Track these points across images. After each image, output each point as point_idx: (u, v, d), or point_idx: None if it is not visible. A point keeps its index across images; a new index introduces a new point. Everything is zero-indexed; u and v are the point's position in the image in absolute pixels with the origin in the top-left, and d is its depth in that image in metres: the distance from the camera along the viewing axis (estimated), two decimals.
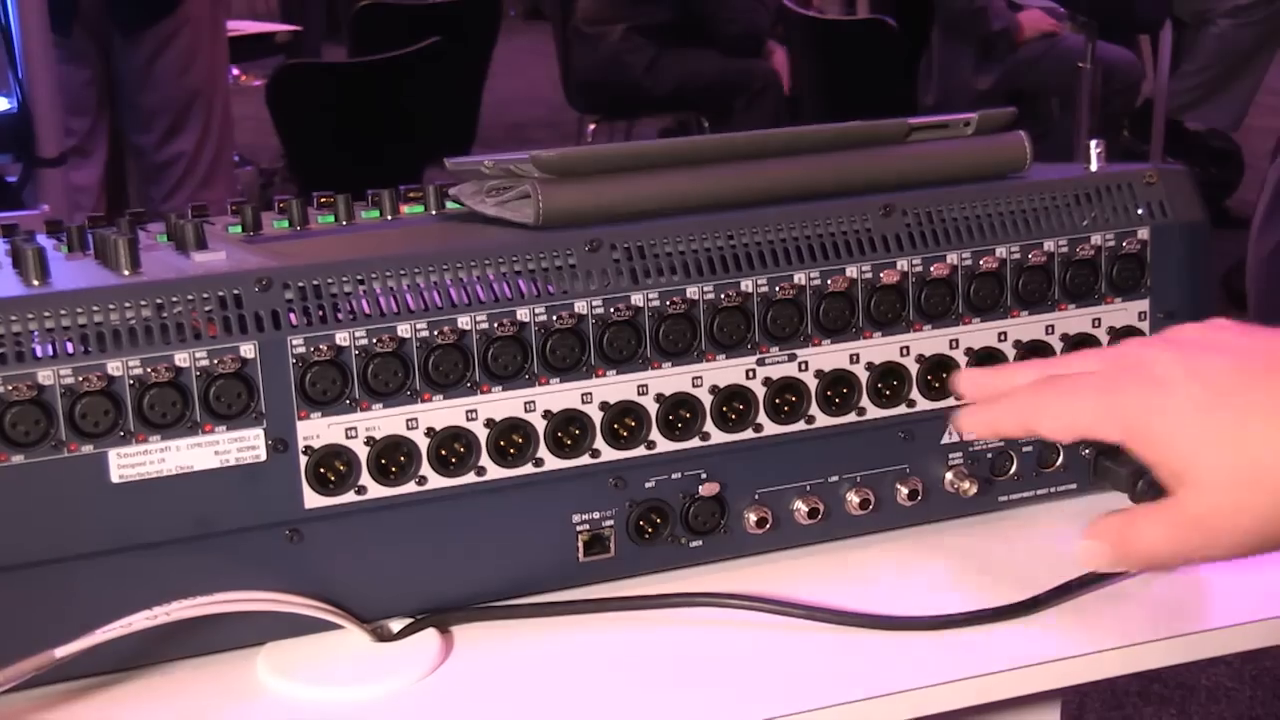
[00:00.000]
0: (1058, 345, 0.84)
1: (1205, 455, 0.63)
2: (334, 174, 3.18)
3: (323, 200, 0.91)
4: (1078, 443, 0.86)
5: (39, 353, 0.66)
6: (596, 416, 0.76)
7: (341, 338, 0.71)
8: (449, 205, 0.90)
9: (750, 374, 0.79)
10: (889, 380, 0.81)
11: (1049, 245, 0.83)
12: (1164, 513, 0.65)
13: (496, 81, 4.76)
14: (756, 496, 0.80)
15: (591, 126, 5.32)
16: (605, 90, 5.02)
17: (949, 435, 0.83)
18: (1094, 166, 0.86)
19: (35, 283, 0.71)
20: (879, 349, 0.81)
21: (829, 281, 0.79)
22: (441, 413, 0.73)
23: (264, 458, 0.70)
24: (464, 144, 4.37)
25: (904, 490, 0.82)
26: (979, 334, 0.83)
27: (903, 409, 0.82)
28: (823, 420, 0.80)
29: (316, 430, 0.71)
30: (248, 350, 0.69)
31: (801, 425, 0.80)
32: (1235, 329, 0.67)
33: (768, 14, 4.95)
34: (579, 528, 0.77)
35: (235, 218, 0.87)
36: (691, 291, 0.77)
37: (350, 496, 0.72)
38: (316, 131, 3.93)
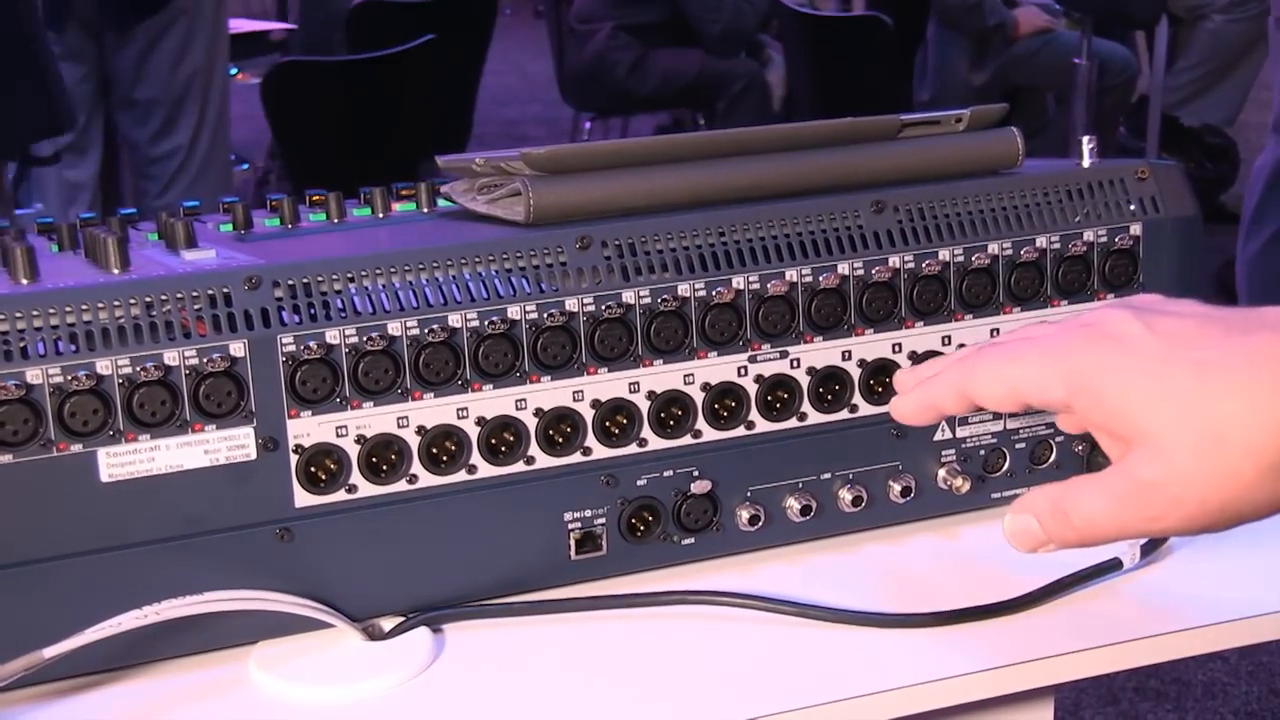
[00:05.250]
0: None
1: (1162, 412, 0.57)
2: (329, 172, 3.18)
3: (314, 198, 0.91)
4: (1076, 435, 0.86)
5: (28, 351, 0.66)
6: (588, 414, 0.76)
7: (332, 336, 0.70)
8: (440, 203, 0.90)
9: (742, 371, 0.78)
10: (881, 377, 0.81)
11: (1041, 241, 0.83)
12: (1109, 480, 0.59)
13: (493, 79, 4.76)
14: (749, 494, 0.80)
15: (587, 124, 5.33)
16: (594, 88, 5.03)
17: (942, 433, 0.83)
18: (1086, 162, 0.86)
19: (24, 281, 0.71)
20: (871, 346, 0.81)
21: (821, 278, 0.79)
22: (432, 411, 0.73)
23: (254, 456, 0.70)
24: (459, 141, 4.37)
25: (896, 487, 0.82)
26: (971, 330, 0.82)
27: None
28: (815, 417, 0.80)
29: (307, 429, 0.71)
30: (237, 349, 0.69)
31: (794, 422, 0.80)
32: (1195, 301, 0.63)
33: (756, 14, 4.95)
34: (570, 526, 0.77)
35: (226, 216, 0.87)
36: (683, 289, 0.76)
37: (341, 495, 0.72)
38: (312, 129, 3.93)
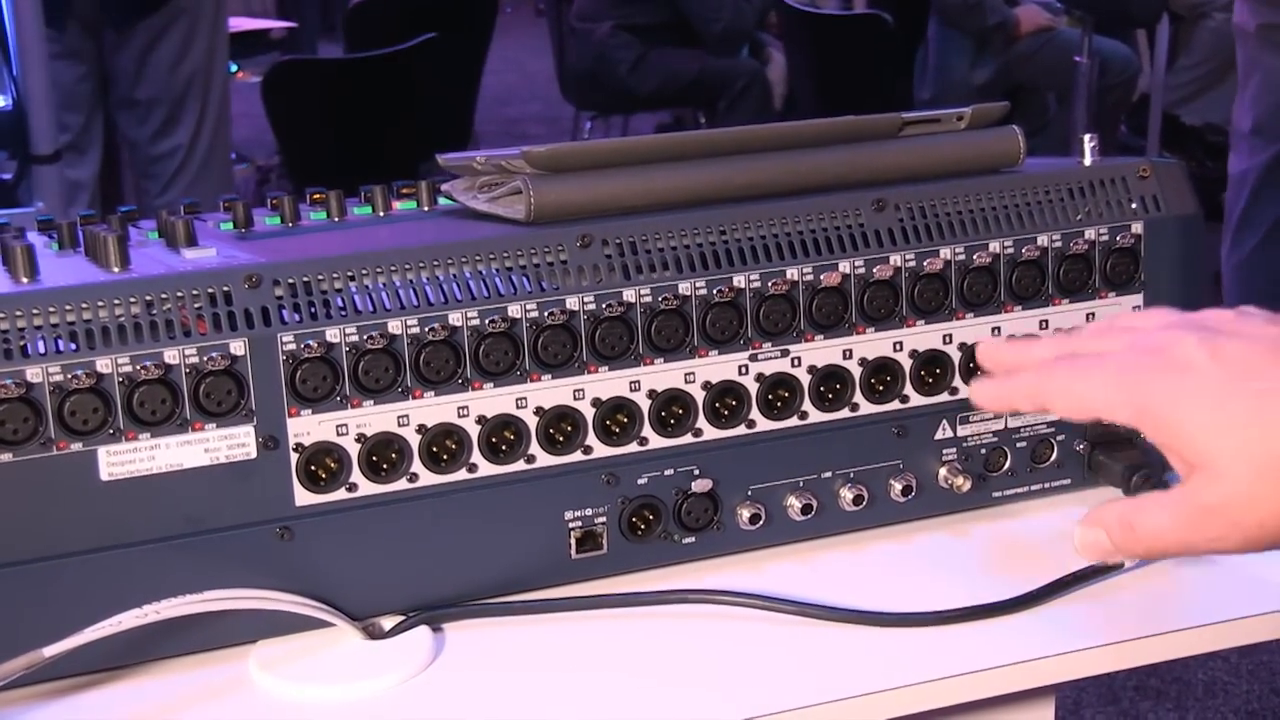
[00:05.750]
0: None
1: (1223, 441, 0.60)
2: (330, 170, 3.18)
3: (315, 197, 0.91)
4: (1077, 434, 0.86)
5: (28, 350, 0.66)
6: (588, 413, 0.76)
7: (332, 334, 0.70)
8: (441, 201, 0.90)
9: (743, 370, 0.78)
10: (882, 376, 0.81)
11: (1042, 240, 0.83)
12: (1174, 501, 0.62)
13: (493, 77, 4.76)
14: (749, 493, 0.80)
15: (588, 123, 5.33)
16: (595, 86, 5.03)
17: (942, 431, 0.83)
18: (1088, 160, 0.86)
19: (24, 280, 0.71)
20: (872, 344, 0.80)
21: (822, 277, 0.79)
22: (433, 409, 0.73)
23: (254, 455, 0.70)
24: (460, 140, 4.37)
25: (897, 486, 0.82)
26: (972, 329, 0.82)
27: (896, 404, 0.82)
28: (816, 416, 0.80)
29: (307, 427, 0.71)
30: (238, 347, 0.69)
31: (794, 421, 0.80)
32: (1265, 316, 0.65)
33: (755, 13, 4.96)
34: (571, 524, 0.76)
35: (227, 214, 0.87)
36: (684, 287, 0.76)
37: (341, 494, 0.72)
38: (312, 128, 3.93)
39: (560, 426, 0.76)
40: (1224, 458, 0.60)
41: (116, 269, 0.72)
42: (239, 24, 5.03)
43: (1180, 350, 0.63)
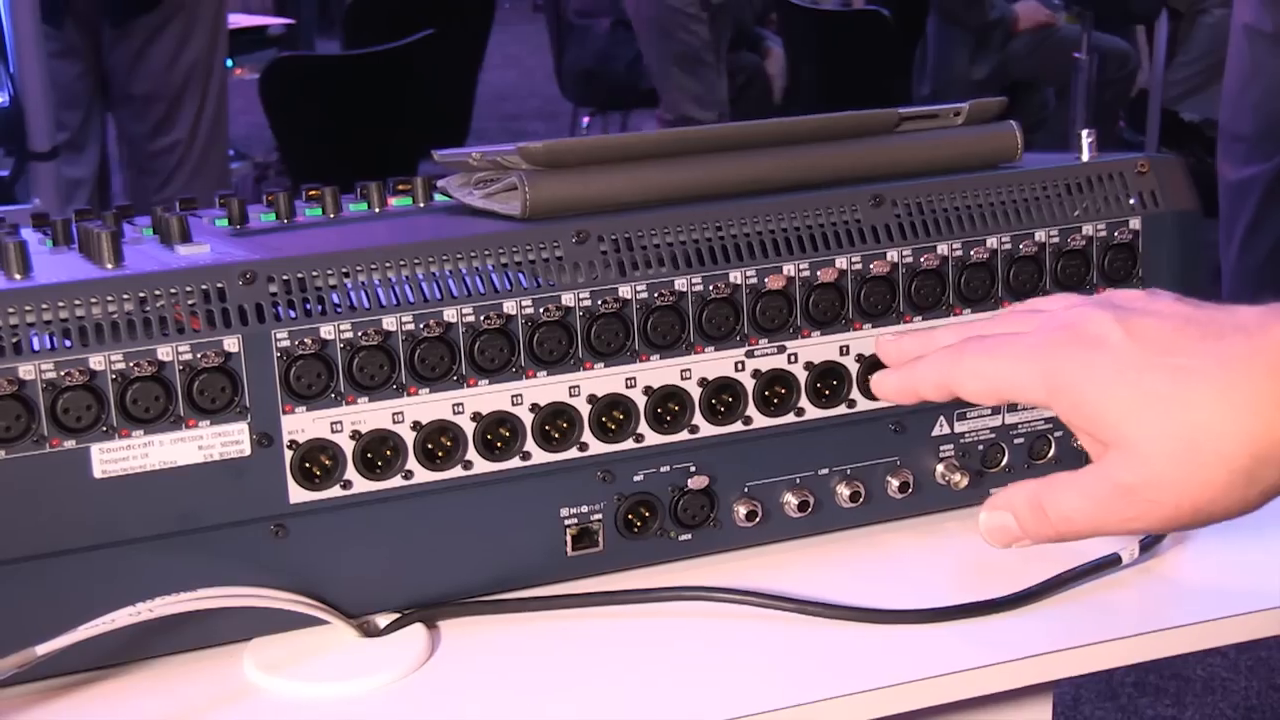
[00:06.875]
0: None
1: (1141, 418, 0.59)
2: (328, 167, 3.18)
3: (310, 193, 0.91)
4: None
5: (20, 347, 0.66)
6: (584, 409, 0.75)
7: (326, 331, 0.70)
8: (437, 198, 0.90)
9: (739, 366, 0.78)
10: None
11: (1040, 235, 0.83)
12: (1088, 481, 0.61)
13: (492, 74, 4.76)
14: (746, 489, 0.79)
15: (586, 119, 5.32)
16: (594, 82, 5.03)
17: (940, 428, 0.83)
18: (1086, 156, 0.85)
19: (17, 276, 0.70)
20: (869, 341, 0.80)
21: (818, 273, 0.78)
22: (428, 406, 0.72)
23: (248, 452, 0.70)
24: (458, 136, 4.37)
25: (895, 483, 0.82)
26: None
27: None
28: (813, 412, 0.80)
29: (301, 424, 0.70)
30: (231, 344, 0.68)
31: (791, 418, 0.80)
32: (1175, 296, 0.64)
33: (753, 9, 4.96)
34: (567, 521, 0.76)
35: (222, 211, 0.87)
36: (680, 283, 0.76)
37: (336, 491, 0.72)
38: (310, 125, 3.93)
39: (556, 423, 0.75)
40: (1141, 436, 0.59)
41: (110, 265, 0.72)
42: (237, 20, 5.02)
43: (1093, 326, 0.61)
